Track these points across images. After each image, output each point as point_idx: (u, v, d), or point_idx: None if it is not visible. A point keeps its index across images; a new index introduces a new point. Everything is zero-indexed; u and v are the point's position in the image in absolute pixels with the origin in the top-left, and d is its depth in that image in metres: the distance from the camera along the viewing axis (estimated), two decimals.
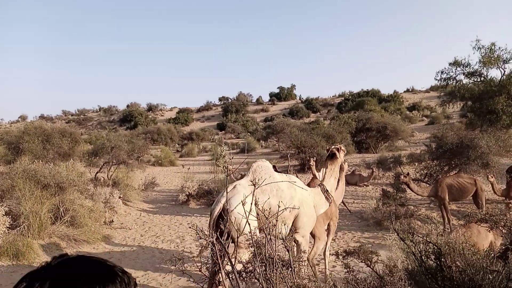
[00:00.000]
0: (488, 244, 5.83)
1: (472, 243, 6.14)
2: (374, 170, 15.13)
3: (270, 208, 4.06)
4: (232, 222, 3.91)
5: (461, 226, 7.08)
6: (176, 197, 14.04)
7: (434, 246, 2.79)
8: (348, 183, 15.14)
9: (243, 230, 3.33)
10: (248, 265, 3.12)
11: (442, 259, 2.66)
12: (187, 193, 13.48)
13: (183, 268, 3.01)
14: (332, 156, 5.91)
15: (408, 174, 9.31)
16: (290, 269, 2.85)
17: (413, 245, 3.00)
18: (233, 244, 3.87)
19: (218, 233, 3.52)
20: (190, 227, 2.96)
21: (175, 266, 2.95)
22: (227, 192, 4.13)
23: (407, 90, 70.14)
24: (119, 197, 12.05)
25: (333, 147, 5.99)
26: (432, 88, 67.04)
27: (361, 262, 4.35)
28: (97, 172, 15.35)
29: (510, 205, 8.77)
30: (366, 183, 15.20)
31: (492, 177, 9.39)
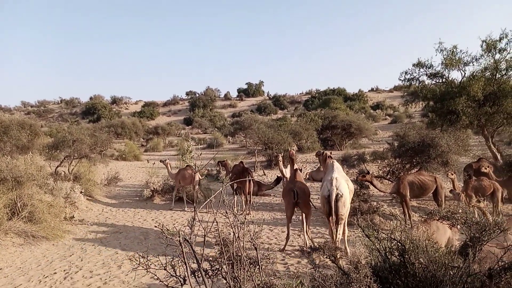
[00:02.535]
0: (447, 239, 6.05)
1: (432, 239, 6.38)
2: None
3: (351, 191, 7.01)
4: (343, 203, 6.62)
5: (421, 222, 7.33)
6: (140, 193, 13.78)
7: (398, 243, 2.86)
8: (313, 179, 15.39)
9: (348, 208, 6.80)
10: (214, 263, 3.09)
11: (406, 256, 2.73)
12: (152, 189, 13.26)
13: (147, 266, 2.94)
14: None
15: (368, 172, 9.51)
16: (258, 267, 2.84)
17: (378, 242, 3.06)
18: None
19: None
20: (156, 227, 2.89)
21: (139, 264, 2.87)
22: (332, 182, 6.57)
23: (372, 90, 71.94)
24: (81, 192, 11.69)
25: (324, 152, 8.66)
26: (396, 88, 69.07)
27: (326, 258, 4.43)
28: (57, 166, 14.81)
29: (462, 198, 9.11)
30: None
31: (452, 174, 9.76)
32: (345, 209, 6.74)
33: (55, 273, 6.35)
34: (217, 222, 2.89)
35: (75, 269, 6.53)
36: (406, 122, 33.30)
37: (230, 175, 11.61)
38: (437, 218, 3.87)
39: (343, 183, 6.79)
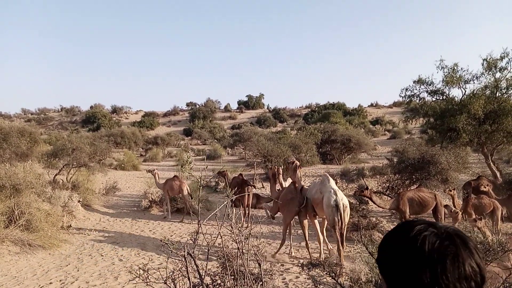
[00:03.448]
0: None
1: None
2: (338, 181, 15.36)
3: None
4: (347, 213, 7.31)
5: None
6: (138, 203, 13.71)
7: None
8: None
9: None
10: (216, 278, 3.05)
11: None
12: (150, 199, 13.19)
13: (147, 279, 2.90)
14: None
15: (367, 188, 9.49)
16: (261, 283, 2.81)
17: None
18: None
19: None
20: (161, 240, 2.85)
21: (138, 276, 2.83)
22: (336, 194, 7.23)
23: (371, 105, 72.17)
24: (79, 201, 11.63)
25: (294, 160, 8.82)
26: (395, 104, 69.37)
27: (326, 274, 4.38)
28: (56, 174, 14.76)
29: (468, 219, 9.08)
30: None
31: (452, 190, 9.73)
32: (347, 219, 7.41)
33: (50, 283, 6.28)
34: (221, 237, 2.86)
35: (71, 279, 6.46)
36: (406, 138, 33.36)
37: (229, 187, 11.58)
38: None
39: (343, 195, 7.43)
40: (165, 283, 2.85)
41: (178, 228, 10.79)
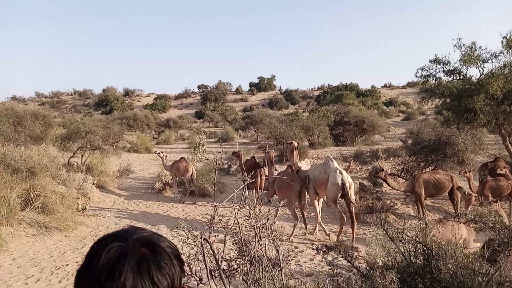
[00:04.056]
0: (462, 240, 5.92)
1: (447, 239, 6.24)
2: (351, 163, 15.23)
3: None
4: (353, 190, 7.86)
5: (435, 222, 7.19)
6: (152, 185, 13.79)
7: (424, 247, 2.74)
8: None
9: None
10: (232, 263, 3.02)
11: (432, 261, 2.61)
12: (163, 182, 13.26)
13: None
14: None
15: (382, 169, 9.37)
16: (279, 269, 2.76)
17: (402, 244, 2.94)
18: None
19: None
20: (177, 228, 2.81)
21: None
22: (341, 173, 7.74)
23: (385, 86, 71.17)
24: (93, 184, 11.73)
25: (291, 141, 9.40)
26: (409, 85, 68.23)
27: (342, 257, 4.32)
28: (70, 157, 14.90)
29: (484, 202, 8.94)
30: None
31: (468, 172, 9.54)
32: (353, 196, 7.96)
33: (67, 264, 6.37)
34: (238, 222, 2.80)
35: None
36: (422, 119, 32.75)
37: (242, 169, 11.56)
38: (464, 221, 3.73)
39: (348, 175, 7.99)
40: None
41: (192, 210, 10.84)
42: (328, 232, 8.48)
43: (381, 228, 3.41)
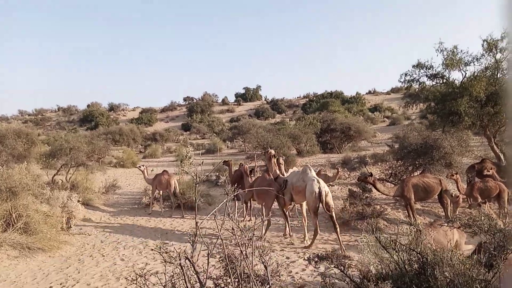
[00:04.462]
0: (454, 243, 5.87)
1: (438, 243, 6.17)
2: (339, 170, 15.20)
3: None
4: (330, 198, 7.91)
5: (426, 225, 7.13)
6: (139, 200, 13.56)
7: (419, 255, 2.65)
8: None
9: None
10: (219, 281, 2.87)
11: (428, 269, 2.52)
12: (150, 196, 13.03)
13: (145, 285, 2.71)
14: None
15: (371, 174, 9.33)
16: (268, 286, 2.63)
17: (396, 253, 2.84)
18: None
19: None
20: (153, 250, 2.67)
21: (136, 283, 2.65)
22: (319, 182, 7.85)
23: (369, 92, 71.89)
24: (78, 201, 11.45)
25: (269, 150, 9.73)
26: (393, 90, 69.09)
27: (334, 267, 4.21)
28: (54, 175, 14.59)
29: (473, 204, 8.94)
30: (331, 183, 15.23)
31: (456, 174, 9.54)
32: (331, 203, 8.03)
33: (51, 287, 6.12)
34: (222, 239, 2.66)
35: (72, 282, 6.30)
36: (408, 124, 33.03)
37: (230, 180, 11.41)
38: (458, 226, 3.66)
39: (324, 184, 8.08)
40: (164, 287, 2.67)
41: (180, 224, 10.63)
42: (291, 234, 8.94)
43: (373, 235, 3.29)
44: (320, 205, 7.81)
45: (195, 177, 3.19)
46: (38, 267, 7.15)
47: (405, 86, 14.24)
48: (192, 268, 2.50)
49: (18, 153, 15.55)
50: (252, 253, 2.60)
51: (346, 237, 8.93)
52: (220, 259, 2.96)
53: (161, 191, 12.40)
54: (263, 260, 2.66)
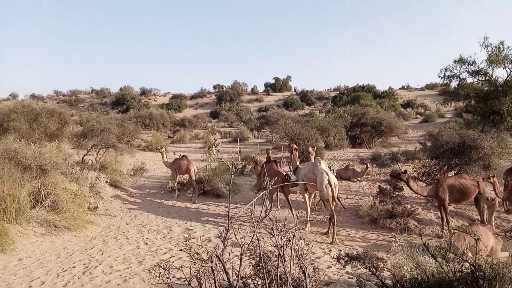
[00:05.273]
0: (490, 249, 5.53)
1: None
2: (369, 166, 14.79)
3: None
4: (336, 187, 8.37)
5: (460, 230, 6.75)
6: (165, 185, 13.60)
7: (472, 267, 2.37)
8: (341, 177, 14.78)
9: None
10: (248, 282, 2.68)
11: (485, 284, 2.24)
12: (177, 181, 13.04)
13: (169, 280, 2.55)
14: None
15: (405, 171, 8.93)
16: None
17: (446, 263, 2.57)
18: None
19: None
20: (182, 250, 2.49)
21: (159, 276, 2.49)
22: (328, 173, 8.34)
23: (402, 87, 70.05)
24: (106, 182, 11.57)
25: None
26: (427, 87, 67.07)
27: (366, 268, 3.97)
28: (84, 155, 14.81)
29: (495, 204, 8.41)
30: (359, 179, 14.86)
31: (493, 177, 9.02)
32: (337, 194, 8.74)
33: (74, 266, 6.12)
34: (258, 240, 2.46)
35: (94, 263, 6.29)
36: (445, 121, 31.76)
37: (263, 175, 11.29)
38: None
39: (333, 176, 8.66)
40: (189, 284, 2.49)
41: (206, 211, 10.55)
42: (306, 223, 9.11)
43: (420, 240, 3.01)
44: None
45: (231, 166, 2.98)
46: (63, 246, 7.20)
47: (445, 81, 13.58)
48: (223, 268, 2.31)
49: (51, 132, 15.84)
50: (291, 256, 2.39)
51: (373, 235, 8.64)
52: (251, 257, 2.77)
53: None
54: (301, 264, 2.45)
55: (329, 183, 8.24)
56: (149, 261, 6.44)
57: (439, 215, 9.30)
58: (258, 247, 2.49)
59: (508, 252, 6.75)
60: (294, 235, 2.54)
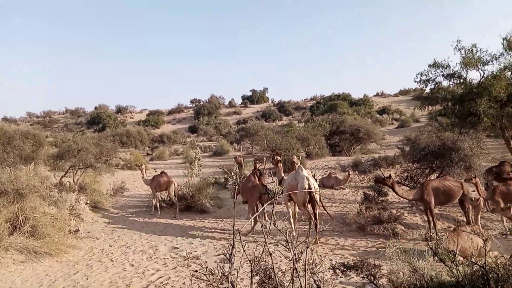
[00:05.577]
0: (478, 249, 5.56)
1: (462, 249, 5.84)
2: (350, 173, 14.89)
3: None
4: (319, 195, 8.72)
5: (450, 231, 6.80)
6: (147, 203, 13.32)
7: (483, 269, 2.33)
8: (324, 186, 14.83)
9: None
10: None
11: (498, 287, 2.19)
12: (159, 199, 12.78)
13: None
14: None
15: (390, 176, 8.99)
16: None
17: (455, 267, 2.52)
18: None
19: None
20: (194, 275, 2.34)
21: None
22: (308, 178, 8.59)
23: (377, 94, 71.41)
24: (86, 203, 11.23)
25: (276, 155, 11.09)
26: (401, 92, 68.57)
27: (363, 277, 3.90)
28: (62, 177, 14.38)
29: (496, 208, 8.54)
30: (342, 186, 14.94)
31: (475, 178, 9.16)
32: (318, 198, 8.80)
33: None
34: (270, 254, 2.36)
35: None
36: (424, 125, 32.30)
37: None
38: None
39: (314, 180, 9.00)
40: None
41: (191, 229, 10.33)
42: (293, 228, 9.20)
43: (428, 246, 2.96)
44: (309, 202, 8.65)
45: (231, 174, 2.87)
46: (45, 273, 6.89)
47: (421, 86, 13.86)
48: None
49: (26, 154, 15.34)
50: (305, 269, 2.30)
51: (362, 242, 8.64)
52: (255, 273, 2.65)
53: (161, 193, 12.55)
54: (314, 278, 2.36)
55: (309, 187, 8.51)
56: (137, 284, 6.22)
57: (425, 218, 9.38)
58: (267, 261, 2.39)
59: (496, 252, 6.84)
60: (307, 247, 2.45)
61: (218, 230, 10.04)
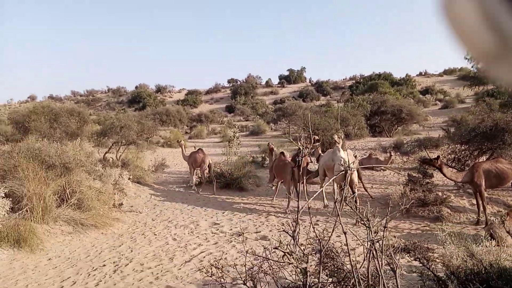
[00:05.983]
0: None
1: None
2: (392, 154, 14.43)
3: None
4: (355, 175, 8.68)
5: (505, 215, 6.43)
6: (187, 179, 13.48)
7: None
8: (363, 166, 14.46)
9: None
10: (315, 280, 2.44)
11: None
12: (199, 175, 12.91)
13: (222, 280, 2.33)
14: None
15: (438, 157, 8.57)
16: None
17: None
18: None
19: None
20: (277, 248, 2.24)
21: (211, 276, 2.27)
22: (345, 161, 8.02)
23: (420, 74, 68.61)
24: (129, 178, 11.48)
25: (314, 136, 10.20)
26: (446, 72, 65.57)
27: (416, 260, 3.71)
28: (105, 153, 14.80)
29: None
30: (383, 167, 14.52)
31: None
32: (356, 180, 8.87)
33: (104, 265, 5.99)
34: (345, 233, 2.22)
35: (125, 261, 6.15)
36: (473, 105, 30.87)
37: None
38: None
39: (354, 161, 9.02)
40: (244, 284, 2.25)
41: (229, 204, 10.38)
42: (326, 203, 9.88)
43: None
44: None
45: (300, 146, 2.74)
46: (91, 244, 7.10)
47: (471, 64, 13.06)
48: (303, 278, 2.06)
49: (71, 131, 15.89)
50: (382, 251, 2.16)
51: (406, 225, 8.35)
52: (314, 252, 2.53)
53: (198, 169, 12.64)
54: (390, 261, 2.21)
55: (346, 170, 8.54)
56: (180, 257, 6.28)
57: (473, 201, 8.95)
58: (348, 248, 2.25)
59: None
60: (385, 227, 2.30)
61: (256, 208, 10.03)
